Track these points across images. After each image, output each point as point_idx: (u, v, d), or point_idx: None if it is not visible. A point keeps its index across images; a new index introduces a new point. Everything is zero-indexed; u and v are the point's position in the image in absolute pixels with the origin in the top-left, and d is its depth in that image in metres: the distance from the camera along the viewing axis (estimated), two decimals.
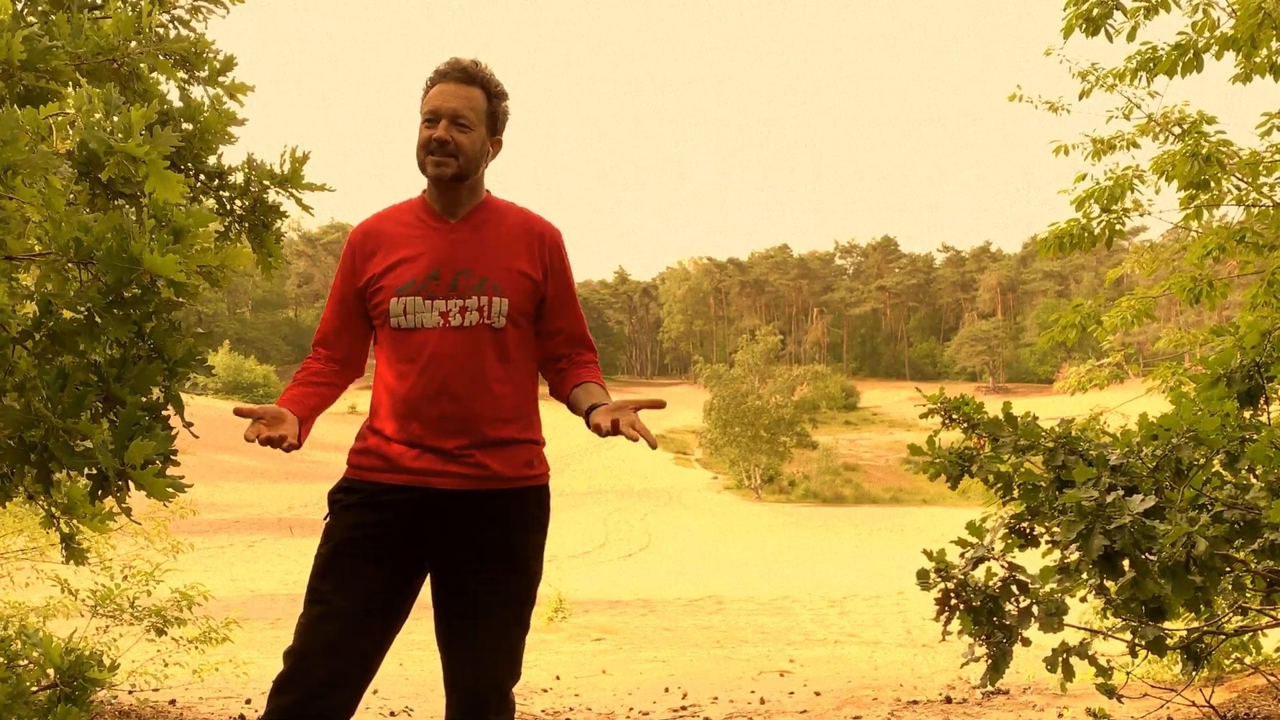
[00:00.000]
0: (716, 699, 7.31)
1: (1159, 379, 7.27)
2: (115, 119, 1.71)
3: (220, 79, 2.17)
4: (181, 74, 2.16)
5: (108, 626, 5.45)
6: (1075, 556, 2.71)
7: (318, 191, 2.22)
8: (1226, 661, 5.36)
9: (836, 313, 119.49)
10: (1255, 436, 2.77)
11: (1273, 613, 3.38)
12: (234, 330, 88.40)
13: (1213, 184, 5.89)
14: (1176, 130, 6.14)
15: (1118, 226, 6.44)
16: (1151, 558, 2.54)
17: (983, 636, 2.82)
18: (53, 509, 1.94)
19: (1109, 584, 2.74)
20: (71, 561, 2.07)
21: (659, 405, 2.23)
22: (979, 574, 2.90)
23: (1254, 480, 2.85)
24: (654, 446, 2.14)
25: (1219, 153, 5.77)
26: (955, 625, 2.87)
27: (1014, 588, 2.85)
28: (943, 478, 3.14)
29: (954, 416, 3.21)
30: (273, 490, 47.57)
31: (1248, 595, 3.18)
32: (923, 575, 2.91)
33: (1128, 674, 4.18)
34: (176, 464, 1.76)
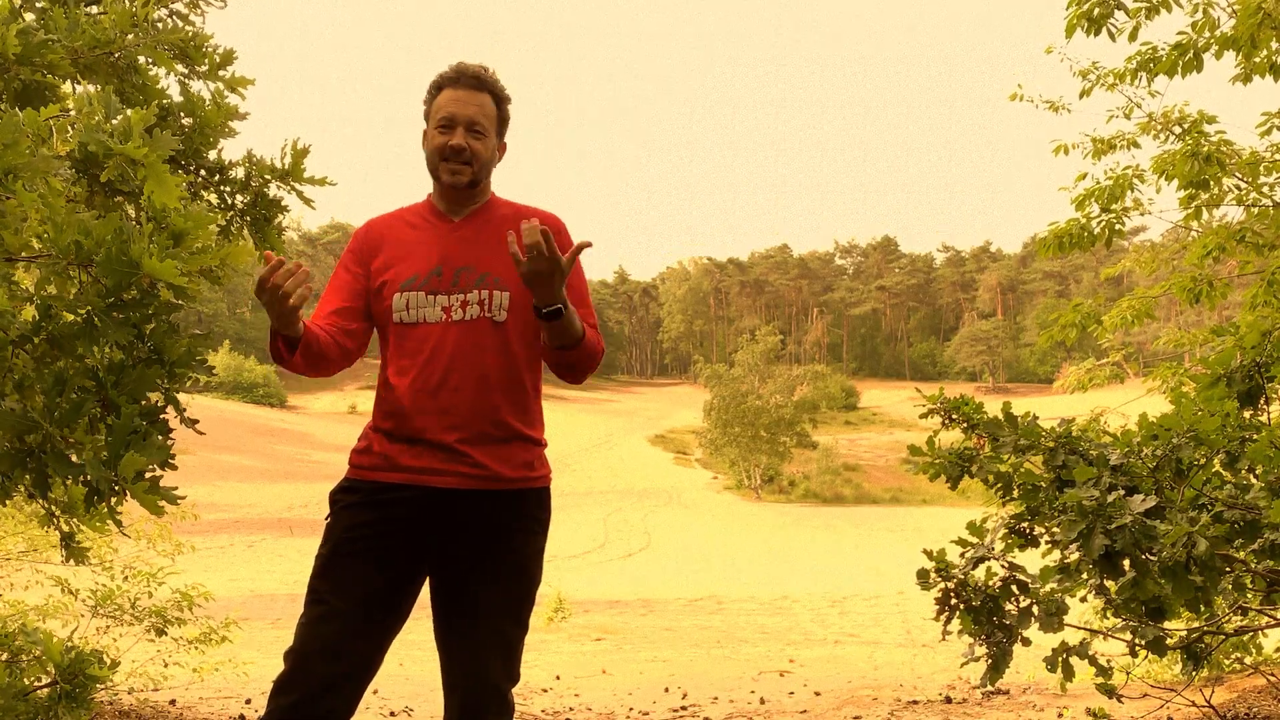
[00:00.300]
0: (716, 699, 7.30)
1: (1159, 379, 7.27)
2: (115, 121, 1.71)
3: (220, 73, 2.16)
4: (181, 68, 2.16)
5: (108, 627, 5.45)
6: (1075, 556, 2.71)
7: (319, 185, 2.21)
8: (1226, 661, 5.36)
9: (836, 313, 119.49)
10: (1255, 436, 2.76)
11: (1273, 613, 3.38)
12: (234, 330, 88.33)
13: (1213, 184, 5.89)
14: (1177, 130, 6.15)
15: (1117, 226, 6.44)
16: (1152, 558, 2.54)
17: (983, 636, 2.82)
18: (53, 508, 1.94)
19: (1109, 584, 2.74)
20: (72, 560, 2.07)
21: (585, 245, 2.22)
22: (979, 574, 2.89)
23: (1254, 480, 2.85)
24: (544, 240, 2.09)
25: (1219, 152, 5.77)
26: (955, 625, 2.87)
27: (1014, 588, 2.85)
28: (943, 478, 3.14)
29: (954, 416, 3.20)
30: (273, 490, 47.55)
31: (1248, 595, 3.18)
32: (923, 575, 2.91)
33: (1128, 674, 4.18)
34: (175, 468, 1.76)
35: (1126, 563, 2.60)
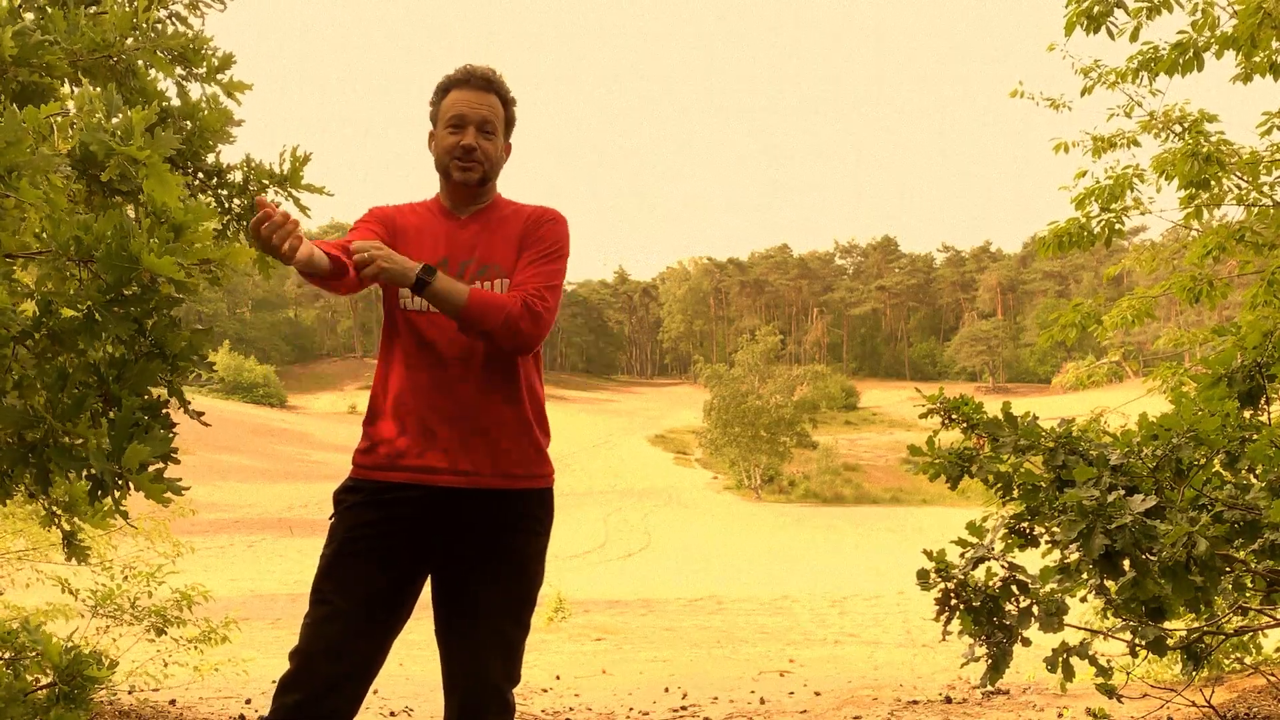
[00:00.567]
0: (716, 699, 7.30)
1: (1159, 379, 7.26)
2: (116, 120, 1.71)
3: (218, 76, 2.16)
4: (179, 70, 2.16)
5: (108, 626, 5.45)
6: (1075, 556, 2.71)
7: (316, 193, 2.21)
8: (1226, 661, 5.35)
9: (836, 313, 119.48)
10: (1255, 436, 2.76)
11: (1273, 613, 3.38)
12: (234, 330, 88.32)
13: (1213, 183, 5.89)
14: (1177, 129, 6.14)
15: (1117, 225, 6.43)
16: (1152, 558, 2.54)
17: (983, 636, 2.82)
18: (54, 507, 1.94)
19: (1109, 584, 2.74)
20: (73, 559, 2.07)
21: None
22: (979, 574, 2.89)
23: (1254, 480, 2.85)
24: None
25: (1219, 152, 5.77)
26: (955, 625, 2.87)
27: (1014, 588, 2.85)
28: (943, 478, 3.14)
29: (953, 416, 3.20)
30: (273, 490, 47.56)
31: (1248, 595, 3.18)
32: (923, 575, 2.91)
33: (1128, 674, 4.18)
34: (177, 462, 1.76)
35: (1126, 563, 2.60)
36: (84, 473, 1.64)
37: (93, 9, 2.11)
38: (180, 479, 1.72)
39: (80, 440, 1.61)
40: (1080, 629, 3.15)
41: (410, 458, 2.33)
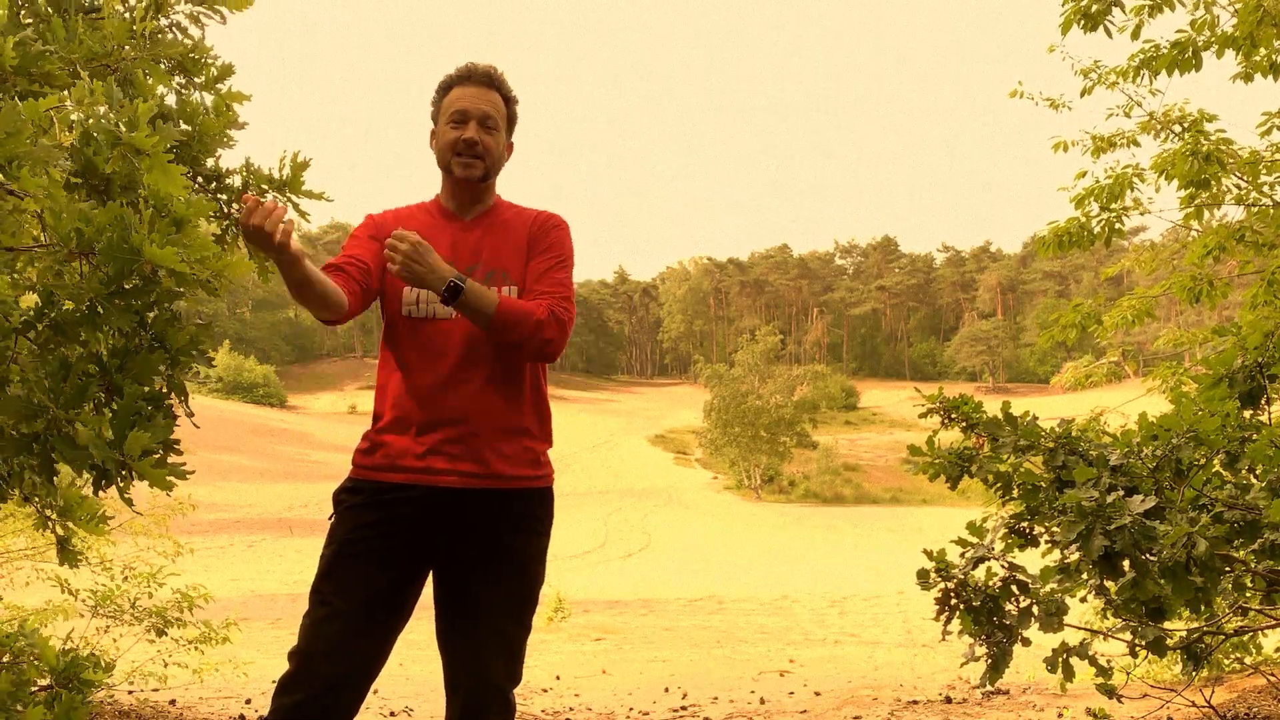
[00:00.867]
0: (716, 699, 7.30)
1: (1159, 379, 7.26)
2: (117, 113, 1.71)
3: (218, 86, 2.16)
4: (179, 80, 2.16)
5: (108, 627, 5.45)
6: (1075, 556, 2.70)
7: (316, 199, 2.21)
8: (1226, 662, 5.35)
9: (836, 313, 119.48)
10: (1255, 436, 2.76)
11: (1273, 613, 3.38)
12: (234, 330, 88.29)
13: (1213, 183, 5.89)
14: (1177, 129, 6.14)
15: (1117, 225, 6.43)
16: (1152, 558, 2.54)
17: (983, 636, 2.82)
18: (47, 511, 1.94)
19: (1109, 584, 2.74)
20: (66, 564, 2.07)
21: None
22: (979, 574, 2.89)
23: (1254, 480, 2.85)
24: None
25: (1219, 151, 5.76)
26: (955, 625, 2.87)
27: (1014, 588, 2.85)
28: (942, 478, 3.14)
29: (953, 416, 3.20)
30: (273, 490, 47.56)
31: (1248, 595, 3.18)
32: (923, 575, 2.91)
33: (1128, 674, 4.18)
34: (179, 452, 1.76)
35: (1126, 563, 2.60)
36: (86, 463, 1.64)
37: (92, 15, 2.10)
38: (184, 464, 1.72)
39: (85, 428, 1.61)
40: (1080, 629, 3.14)
41: (411, 458, 2.32)
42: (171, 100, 2.09)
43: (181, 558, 6.04)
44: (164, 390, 1.75)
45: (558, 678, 9.21)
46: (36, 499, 1.92)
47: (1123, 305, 7.30)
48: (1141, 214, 6.54)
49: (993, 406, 3.18)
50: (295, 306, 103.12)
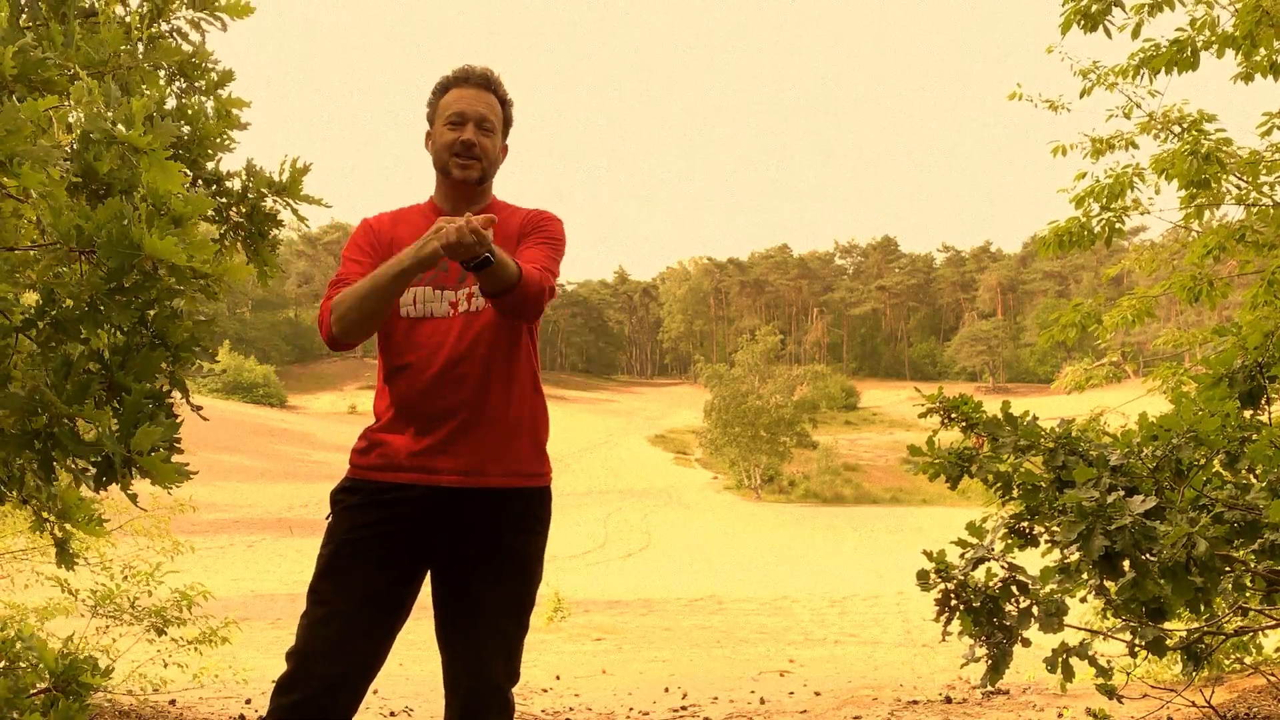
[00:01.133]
0: (716, 699, 7.30)
1: (1159, 379, 7.26)
2: (115, 110, 1.71)
3: (218, 92, 2.16)
4: (179, 84, 2.16)
5: (108, 626, 5.45)
6: (1075, 557, 2.70)
7: (315, 205, 2.21)
8: (1226, 662, 5.35)
9: (836, 313, 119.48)
10: (1255, 437, 2.76)
11: (1273, 613, 3.38)
12: (234, 330, 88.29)
13: (1213, 183, 5.88)
14: (1176, 129, 6.14)
15: (1117, 225, 6.43)
16: (1152, 558, 2.54)
17: (983, 637, 2.82)
18: (44, 513, 1.94)
19: (1109, 584, 2.74)
20: (64, 566, 2.07)
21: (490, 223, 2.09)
22: (979, 574, 2.89)
23: (1254, 480, 2.85)
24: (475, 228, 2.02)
25: (1219, 151, 5.76)
26: (955, 626, 2.86)
27: (1014, 588, 2.85)
28: (942, 478, 3.13)
29: (952, 416, 3.20)
30: (273, 490, 47.58)
31: (1248, 595, 3.18)
32: (923, 576, 2.90)
33: (1128, 674, 4.17)
34: (180, 451, 1.76)
35: (1126, 563, 2.60)
36: (91, 458, 1.64)
37: (91, 20, 2.10)
38: (188, 464, 1.72)
39: (89, 424, 1.61)
40: (1080, 629, 3.14)
41: (410, 458, 2.33)
42: (171, 104, 2.09)
43: (182, 557, 6.04)
44: (166, 388, 1.75)
45: (558, 678, 9.21)
46: (34, 501, 1.92)
47: (1122, 305, 7.30)
48: (1142, 214, 6.54)
49: (993, 406, 3.18)
50: (295, 307, 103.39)
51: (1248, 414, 3.03)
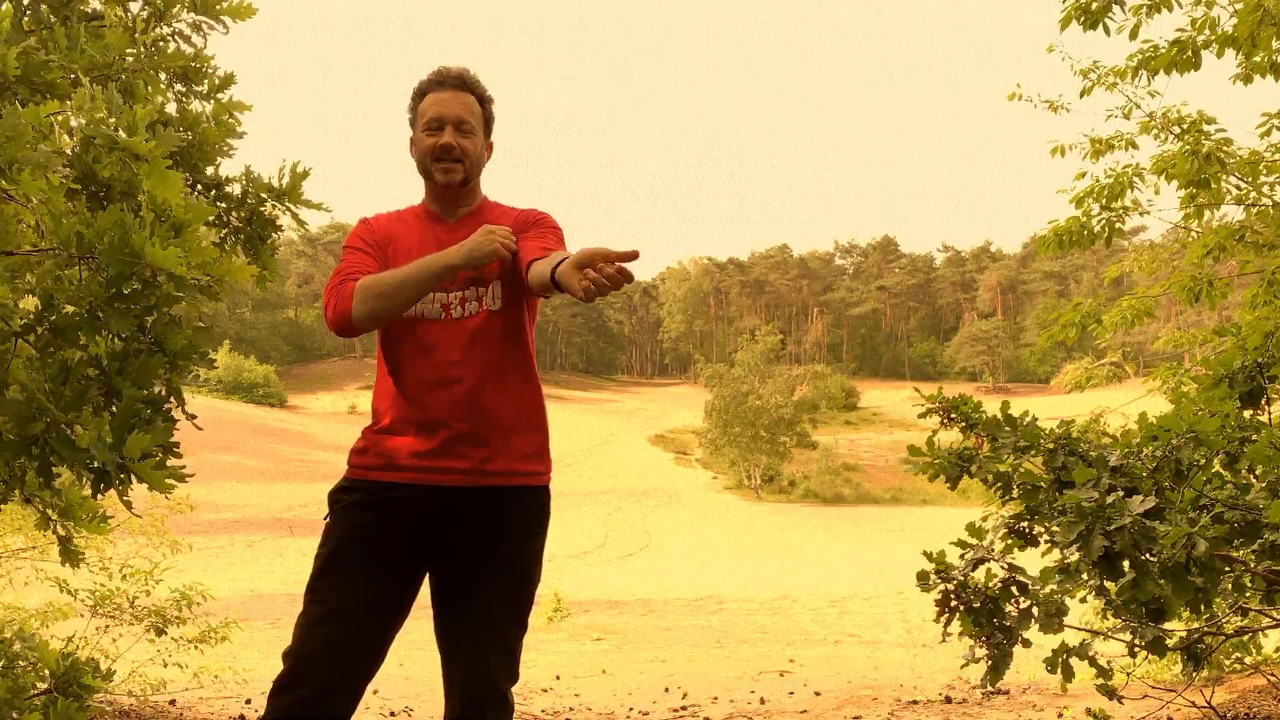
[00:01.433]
0: (716, 699, 7.30)
1: (1159, 379, 7.26)
2: (118, 117, 1.71)
3: (219, 96, 2.17)
4: (179, 88, 2.16)
5: (108, 626, 5.45)
6: (1075, 557, 2.70)
7: (314, 209, 2.21)
8: (1226, 662, 5.35)
9: (836, 313, 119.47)
10: (1255, 437, 2.76)
11: (1273, 613, 3.38)
12: (234, 330, 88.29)
13: (1213, 183, 5.88)
14: (1176, 130, 6.14)
15: (1117, 225, 6.43)
16: (1151, 559, 2.54)
17: (983, 637, 2.82)
18: (49, 511, 1.94)
19: (1109, 585, 2.74)
20: (68, 564, 2.07)
21: (632, 256, 1.96)
22: (979, 575, 2.89)
23: (1254, 481, 2.85)
24: (633, 258, 1.92)
25: (1219, 151, 5.76)
26: (955, 626, 2.87)
27: (1014, 589, 2.85)
28: (942, 478, 3.13)
29: (952, 416, 3.20)
30: (273, 490, 47.58)
31: (1248, 595, 3.18)
32: (923, 576, 2.91)
33: (1128, 675, 4.18)
34: (178, 455, 1.76)
35: (1126, 564, 2.60)
36: (86, 465, 1.64)
37: (94, 23, 2.10)
38: (184, 466, 1.72)
39: (84, 431, 1.61)
40: (1080, 629, 3.14)
41: (409, 457, 2.32)
42: (172, 109, 2.09)
43: (181, 557, 6.04)
44: (163, 393, 1.75)
45: (558, 678, 9.22)
46: (38, 499, 1.92)
47: (1122, 305, 7.30)
48: (1141, 214, 6.54)
49: (993, 406, 3.18)
50: (295, 307, 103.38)
51: (1248, 414, 3.03)
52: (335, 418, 76.05)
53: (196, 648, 5.69)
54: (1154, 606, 2.79)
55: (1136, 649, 3.03)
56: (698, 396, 70.43)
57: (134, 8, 2.24)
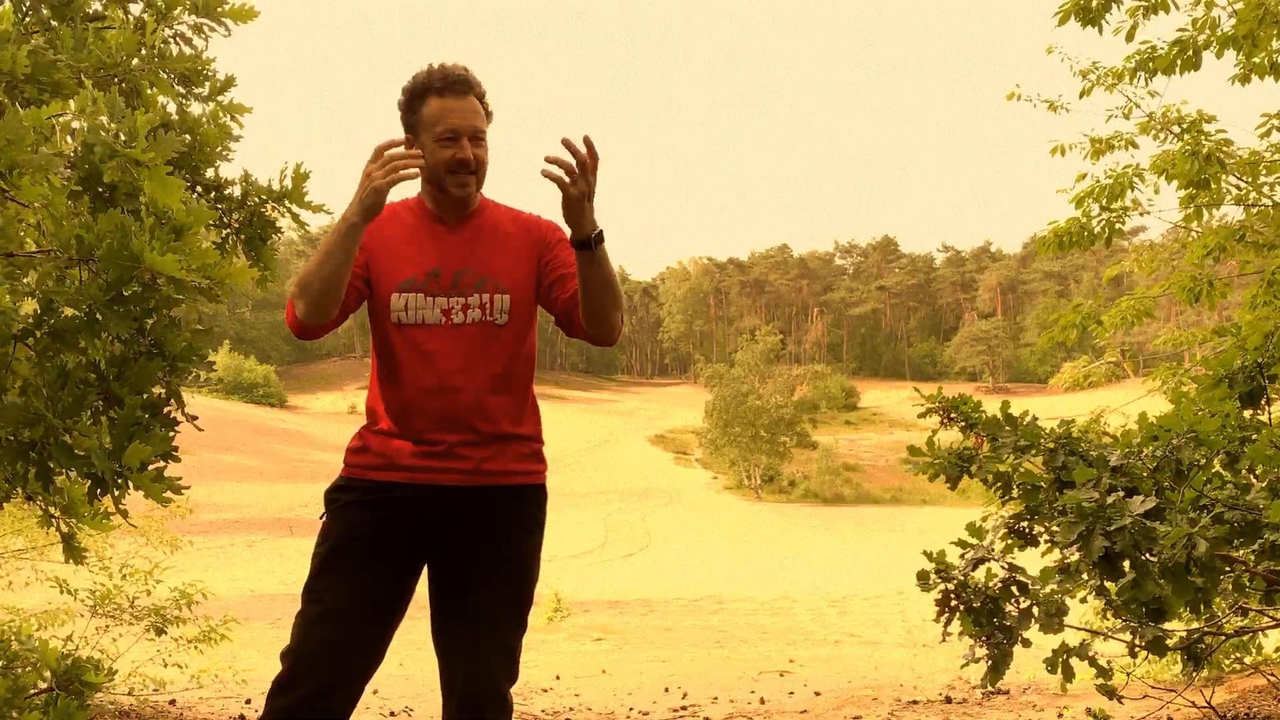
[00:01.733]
0: (716, 699, 7.30)
1: (1159, 379, 7.26)
2: (118, 123, 1.71)
3: (219, 98, 2.16)
4: (180, 89, 2.16)
5: (108, 626, 5.45)
6: (1075, 557, 2.70)
7: (315, 211, 2.20)
8: (1226, 662, 5.35)
9: (836, 313, 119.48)
10: (1255, 437, 2.76)
11: (1273, 613, 3.38)
12: (234, 330, 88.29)
13: (1213, 183, 5.88)
14: (1176, 129, 6.14)
15: (1117, 225, 6.43)
16: (1152, 559, 2.54)
17: (983, 637, 2.82)
18: (50, 508, 1.94)
19: (1109, 585, 2.74)
20: (71, 561, 2.06)
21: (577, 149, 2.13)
22: (979, 575, 2.89)
23: (1254, 481, 2.85)
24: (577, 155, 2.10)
25: (1219, 151, 5.75)
26: (955, 626, 2.86)
27: (1014, 589, 2.85)
28: (942, 478, 3.13)
29: (952, 416, 3.20)
30: (273, 490, 47.57)
31: (1248, 595, 3.18)
32: (923, 576, 2.90)
33: (1128, 675, 4.18)
34: (178, 460, 1.76)
35: (1126, 564, 2.60)
36: (84, 471, 1.63)
37: (98, 23, 2.10)
38: (180, 478, 1.72)
39: (82, 438, 1.60)
40: (1080, 629, 3.14)
41: (408, 457, 2.32)
42: (172, 109, 2.09)
43: (182, 555, 6.05)
44: (163, 397, 1.74)
45: (558, 678, 9.22)
46: (40, 497, 1.92)
47: (1122, 305, 7.29)
48: (1141, 214, 6.54)
49: (993, 406, 3.18)
50: None
51: (1248, 414, 3.03)
52: (335, 418, 76.03)
53: (196, 648, 5.69)
54: (1154, 606, 2.79)
55: (1136, 649, 3.03)
56: (698, 396, 70.45)
57: (135, 9, 2.24)
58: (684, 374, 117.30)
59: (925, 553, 2.93)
